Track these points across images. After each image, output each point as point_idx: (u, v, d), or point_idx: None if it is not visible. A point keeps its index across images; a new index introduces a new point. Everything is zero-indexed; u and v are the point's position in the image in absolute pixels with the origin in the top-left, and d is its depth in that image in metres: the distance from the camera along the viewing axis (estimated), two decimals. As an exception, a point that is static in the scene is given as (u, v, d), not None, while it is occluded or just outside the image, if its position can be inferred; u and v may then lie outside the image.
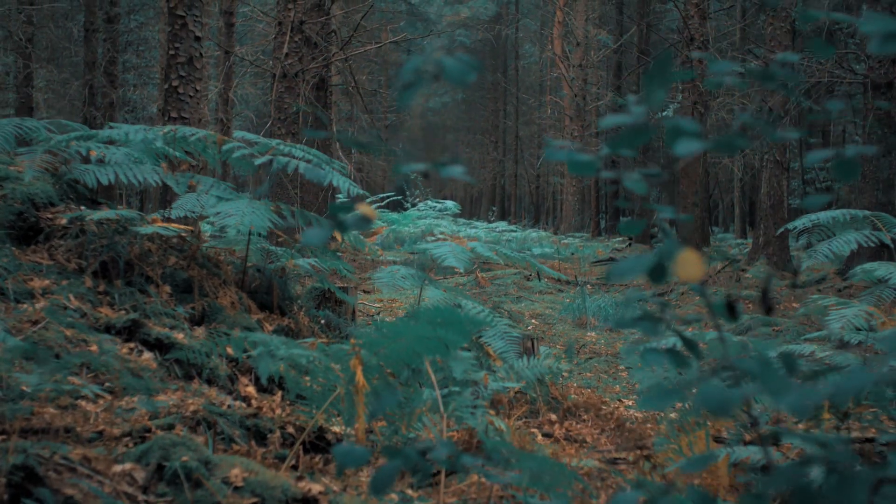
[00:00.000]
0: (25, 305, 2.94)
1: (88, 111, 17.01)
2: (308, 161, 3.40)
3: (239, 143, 3.40)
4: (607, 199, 30.58)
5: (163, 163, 3.47)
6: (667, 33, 25.04)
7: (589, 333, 7.80)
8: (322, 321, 3.85)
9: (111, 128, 3.49)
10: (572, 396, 3.97)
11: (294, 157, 3.40)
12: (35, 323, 2.90)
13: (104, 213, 3.07)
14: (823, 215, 3.90)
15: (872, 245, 3.73)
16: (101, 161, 3.39)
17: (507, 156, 37.73)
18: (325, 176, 3.25)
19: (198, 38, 6.20)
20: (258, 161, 3.33)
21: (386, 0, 27.99)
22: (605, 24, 25.38)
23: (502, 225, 24.73)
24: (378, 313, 7.68)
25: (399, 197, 25.43)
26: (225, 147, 3.37)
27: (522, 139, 36.20)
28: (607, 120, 1.04)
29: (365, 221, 1.21)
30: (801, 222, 3.84)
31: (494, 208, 37.30)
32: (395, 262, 12.45)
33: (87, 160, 3.47)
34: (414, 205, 25.09)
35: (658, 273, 0.96)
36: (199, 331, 3.15)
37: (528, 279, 10.97)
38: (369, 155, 27.23)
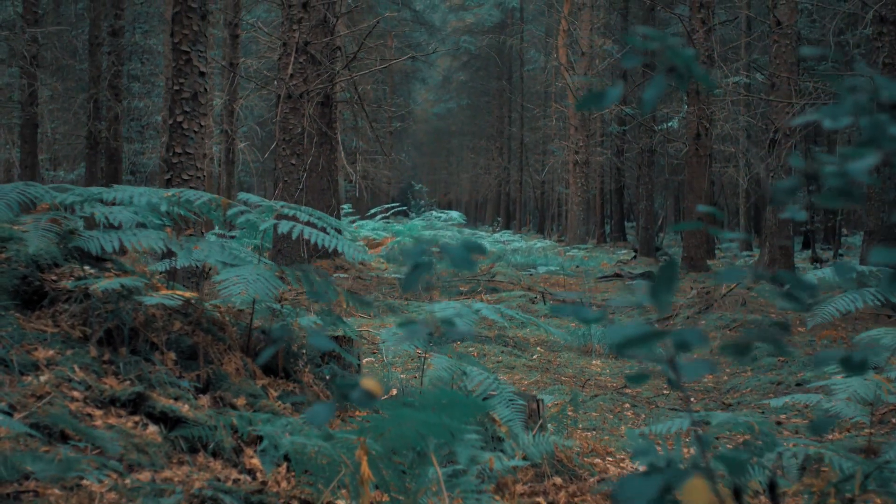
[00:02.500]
0: (30, 378, 2.94)
1: (93, 125, 17.06)
2: (313, 225, 3.40)
3: (243, 206, 3.41)
4: (612, 206, 30.56)
5: (167, 226, 3.47)
6: (671, 42, 24.91)
7: (594, 362, 7.78)
8: (327, 377, 3.84)
9: (115, 189, 3.49)
10: (577, 447, 3.96)
11: (298, 220, 3.40)
12: (40, 398, 2.90)
13: (108, 283, 3.07)
14: (828, 271, 3.89)
15: (879, 303, 3.72)
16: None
17: (512, 162, 37.71)
18: (329, 242, 3.25)
19: (202, 74, 6.20)
20: (263, 226, 3.33)
21: (391, 7, 27.99)
22: (610, 34, 25.33)
23: (507, 234, 24.73)
24: (383, 342, 7.67)
25: (403, 207, 25.46)
26: (230, 211, 3.37)
27: (527, 146, 36.17)
28: (615, 333, 1.03)
29: (369, 398, 1.20)
30: (807, 277, 3.83)
31: (499, 218, 37.27)
32: (398, 279, 12.44)
33: (91, 222, 3.48)
34: (419, 214, 25.11)
35: (665, 499, 0.95)
36: (204, 399, 3.15)
37: (533, 302, 10.95)
38: (374, 163, 27.26)
